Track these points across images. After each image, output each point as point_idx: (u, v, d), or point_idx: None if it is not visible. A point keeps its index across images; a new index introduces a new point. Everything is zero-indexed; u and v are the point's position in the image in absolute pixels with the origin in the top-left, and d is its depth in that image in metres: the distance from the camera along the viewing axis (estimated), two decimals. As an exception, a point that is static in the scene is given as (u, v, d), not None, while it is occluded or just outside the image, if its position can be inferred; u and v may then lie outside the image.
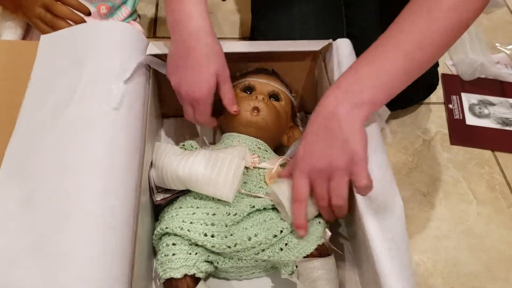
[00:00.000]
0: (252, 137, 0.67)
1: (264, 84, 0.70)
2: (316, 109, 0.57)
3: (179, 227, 0.58)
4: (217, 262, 0.59)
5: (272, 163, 0.65)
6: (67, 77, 0.60)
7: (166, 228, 0.58)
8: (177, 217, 0.59)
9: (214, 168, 0.58)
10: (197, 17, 0.60)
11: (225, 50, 0.64)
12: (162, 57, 0.67)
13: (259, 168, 0.64)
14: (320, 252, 0.58)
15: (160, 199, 0.62)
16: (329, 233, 0.59)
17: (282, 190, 0.58)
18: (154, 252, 0.63)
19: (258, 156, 0.65)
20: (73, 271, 0.42)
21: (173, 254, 0.57)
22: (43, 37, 0.67)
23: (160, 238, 0.60)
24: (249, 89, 0.70)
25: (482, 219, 0.79)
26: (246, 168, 0.63)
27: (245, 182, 0.62)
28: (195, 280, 0.57)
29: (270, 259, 0.58)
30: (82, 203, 0.48)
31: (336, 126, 0.54)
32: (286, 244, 0.58)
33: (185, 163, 0.58)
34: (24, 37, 0.79)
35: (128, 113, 0.59)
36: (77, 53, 0.63)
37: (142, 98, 0.64)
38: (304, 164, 0.56)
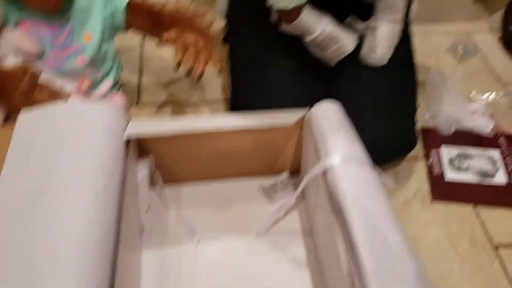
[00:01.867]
0: None
1: None
2: None
3: None
4: None
5: None
6: (43, 161, 0.61)
7: None
8: None
9: None
10: None
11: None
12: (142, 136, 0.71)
13: None
14: None
15: None
16: None
17: None
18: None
19: None
20: None
21: None
22: (22, 113, 0.68)
23: None
24: None
25: (465, 278, 0.79)
26: None
27: None
28: None
29: None
30: None
31: None
32: None
33: None
34: (5, 120, 0.81)
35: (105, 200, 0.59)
36: (54, 135, 0.65)
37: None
38: None
